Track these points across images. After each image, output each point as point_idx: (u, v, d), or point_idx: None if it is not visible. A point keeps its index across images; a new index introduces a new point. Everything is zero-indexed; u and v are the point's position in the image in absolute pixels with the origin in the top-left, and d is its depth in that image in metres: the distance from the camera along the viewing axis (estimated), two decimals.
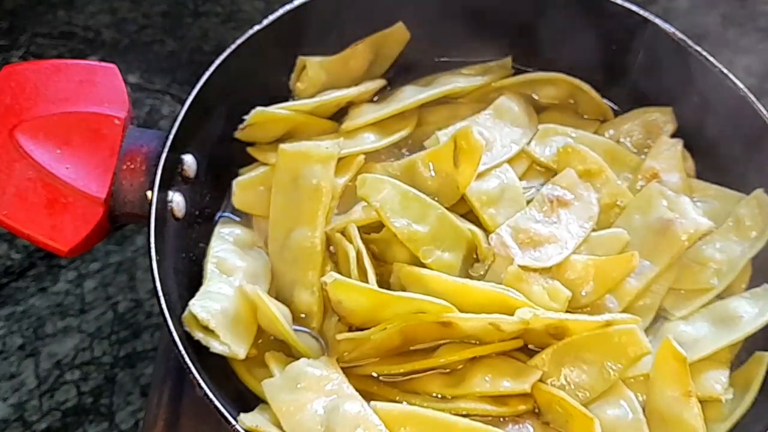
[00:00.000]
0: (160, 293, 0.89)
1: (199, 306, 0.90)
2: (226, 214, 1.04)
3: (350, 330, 0.94)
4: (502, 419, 0.90)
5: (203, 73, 0.98)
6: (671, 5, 1.42)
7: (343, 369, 0.90)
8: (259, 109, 1.02)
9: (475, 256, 0.99)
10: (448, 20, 1.10)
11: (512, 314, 0.89)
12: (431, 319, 0.89)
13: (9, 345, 1.17)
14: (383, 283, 0.96)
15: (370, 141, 1.04)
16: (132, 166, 0.95)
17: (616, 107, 1.12)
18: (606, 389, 0.91)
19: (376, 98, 1.12)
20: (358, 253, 0.95)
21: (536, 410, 0.92)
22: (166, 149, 0.94)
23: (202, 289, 0.94)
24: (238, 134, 1.04)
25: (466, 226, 0.98)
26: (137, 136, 0.97)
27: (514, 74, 1.13)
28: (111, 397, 1.14)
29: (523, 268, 0.94)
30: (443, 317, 0.89)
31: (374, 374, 0.93)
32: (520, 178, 1.04)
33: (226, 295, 0.93)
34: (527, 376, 0.90)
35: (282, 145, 1.00)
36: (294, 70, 1.08)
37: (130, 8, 1.44)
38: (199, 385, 0.85)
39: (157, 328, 1.18)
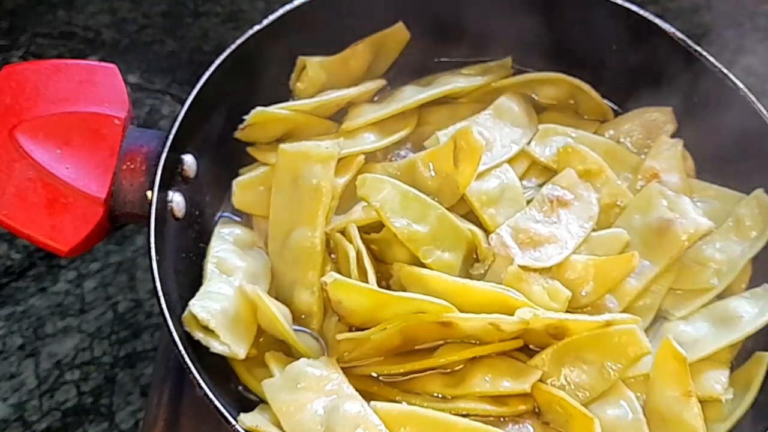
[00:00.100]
0: (160, 293, 0.88)
1: (199, 306, 0.90)
2: (226, 214, 1.04)
3: (350, 330, 0.94)
4: (502, 419, 0.90)
5: (203, 73, 0.98)
6: (671, 5, 1.42)
7: (343, 369, 0.90)
8: (259, 109, 1.02)
9: (475, 256, 0.99)
10: (448, 20, 1.10)
11: (512, 314, 0.89)
12: (431, 319, 0.89)
13: (9, 345, 1.17)
14: (383, 283, 0.96)
15: (370, 141, 1.04)
16: (132, 166, 0.95)
17: (616, 107, 1.12)
18: (606, 389, 0.91)
19: (376, 98, 1.12)
20: (358, 253, 0.95)
21: (536, 410, 0.92)
22: (166, 149, 0.94)
23: (202, 289, 0.94)
24: (238, 134, 1.04)
25: (466, 226, 0.98)
26: (137, 136, 0.97)
27: (514, 74, 1.13)
28: (111, 397, 1.14)
29: (523, 268, 0.94)
30: (443, 317, 0.89)
31: (374, 374, 0.93)
32: (520, 178, 1.04)
33: (226, 295, 0.93)
34: (527, 376, 0.90)
35: (282, 145, 1.00)
36: (294, 70, 1.08)
37: (130, 8, 1.44)
38: (199, 385, 0.85)
39: (157, 328, 1.18)
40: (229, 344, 0.90)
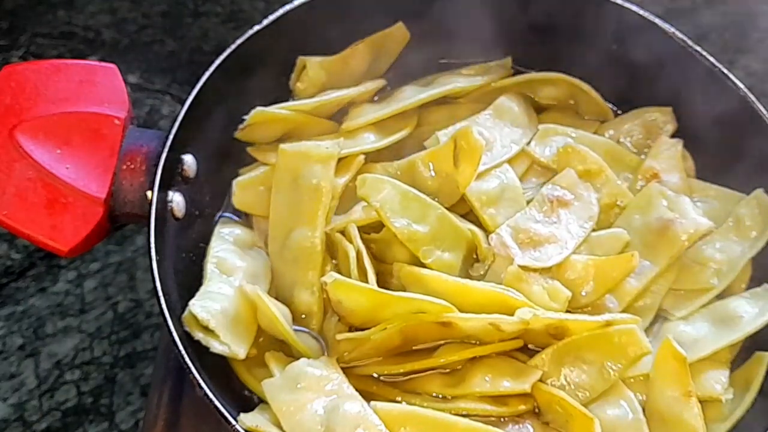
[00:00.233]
0: (160, 293, 0.88)
1: (199, 306, 0.90)
2: (226, 214, 1.04)
3: (350, 330, 0.94)
4: (502, 419, 0.90)
5: (203, 73, 0.98)
6: (671, 5, 1.42)
7: (343, 369, 0.90)
8: (259, 109, 1.02)
9: (475, 256, 0.99)
10: (448, 20, 1.10)
11: (512, 314, 0.89)
12: (431, 319, 0.89)
13: (9, 345, 1.17)
14: (383, 283, 0.96)
15: (370, 141, 1.04)
16: (132, 166, 0.95)
17: (616, 107, 1.12)
18: (606, 389, 0.91)
19: (376, 98, 1.12)
20: (358, 253, 0.95)
21: (536, 410, 0.92)
22: (166, 149, 0.94)
23: (202, 289, 0.94)
24: (238, 134, 1.04)
25: (466, 226, 0.98)
26: (137, 136, 0.97)
27: (514, 74, 1.13)
28: (111, 397, 1.14)
29: (523, 268, 0.94)
30: (443, 317, 0.89)
31: (374, 374, 0.93)
32: (520, 178, 1.04)
33: (226, 295, 0.93)
34: (527, 376, 0.90)
35: (282, 145, 1.00)
36: (294, 70, 1.08)
37: (130, 8, 1.44)
38: (199, 385, 0.85)
39: (157, 328, 1.18)
40: (229, 344, 0.90)
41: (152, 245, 0.90)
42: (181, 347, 0.86)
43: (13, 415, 1.12)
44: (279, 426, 0.86)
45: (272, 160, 1.02)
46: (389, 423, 0.85)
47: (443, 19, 1.10)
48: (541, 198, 1.00)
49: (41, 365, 1.15)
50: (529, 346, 0.94)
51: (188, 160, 0.98)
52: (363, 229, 0.97)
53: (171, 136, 0.94)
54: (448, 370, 0.93)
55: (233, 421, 0.84)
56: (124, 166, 0.95)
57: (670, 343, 0.91)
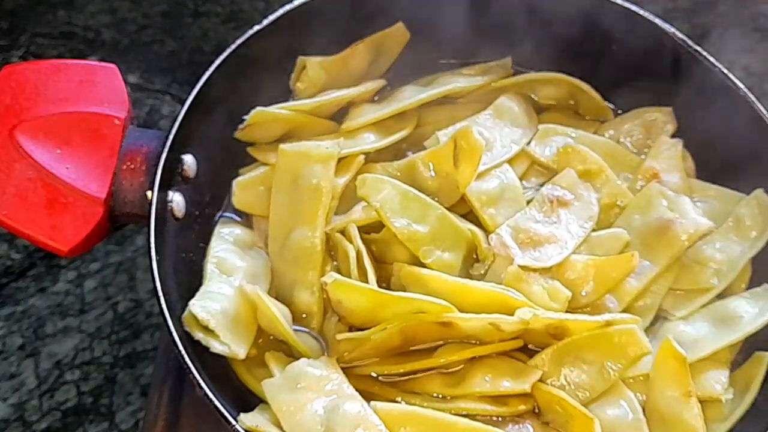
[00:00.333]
0: (160, 293, 0.89)
1: (199, 306, 0.90)
2: (226, 214, 1.04)
3: (350, 330, 0.94)
4: (502, 419, 0.90)
5: (203, 73, 0.98)
6: (671, 5, 1.42)
7: (343, 369, 0.90)
8: (259, 109, 1.02)
9: (475, 256, 0.98)
10: (448, 20, 1.10)
11: (512, 314, 0.89)
12: (431, 319, 0.89)
13: (9, 345, 1.17)
14: (383, 283, 0.96)
15: (370, 141, 1.04)
16: (132, 166, 0.95)
17: (616, 107, 1.12)
18: (606, 389, 0.91)
19: (376, 98, 1.12)
20: (358, 253, 0.95)
21: (536, 410, 0.92)
22: (166, 149, 0.94)
23: (202, 289, 0.94)
24: (238, 134, 1.04)
25: (466, 226, 0.98)
26: (137, 136, 0.97)
27: (514, 74, 1.13)
28: (111, 397, 1.14)
29: (523, 268, 0.94)
30: (443, 317, 0.89)
31: (374, 374, 0.93)
32: (520, 178, 1.04)
33: (226, 295, 0.93)
34: (527, 376, 0.90)
35: (282, 145, 1.00)
36: (294, 70, 1.08)
37: (130, 8, 1.44)
38: (199, 385, 0.85)
39: (157, 328, 1.18)
40: (229, 344, 0.90)
41: (152, 245, 0.90)
42: (181, 347, 0.86)
43: (13, 415, 1.12)
44: (279, 426, 0.86)
45: (272, 160, 1.02)
46: (389, 423, 0.85)
47: (443, 20, 1.10)
48: (541, 198, 1.00)
49: (41, 365, 1.15)
50: (529, 346, 0.94)
51: (188, 160, 0.98)
52: (363, 229, 0.97)
53: (171, 136, 0.94)
54: (448, 370, 0.93)
55: (233, 421, 0.84)
56: (124, 166, 0.95)
57: (670, 343, 0.91)
